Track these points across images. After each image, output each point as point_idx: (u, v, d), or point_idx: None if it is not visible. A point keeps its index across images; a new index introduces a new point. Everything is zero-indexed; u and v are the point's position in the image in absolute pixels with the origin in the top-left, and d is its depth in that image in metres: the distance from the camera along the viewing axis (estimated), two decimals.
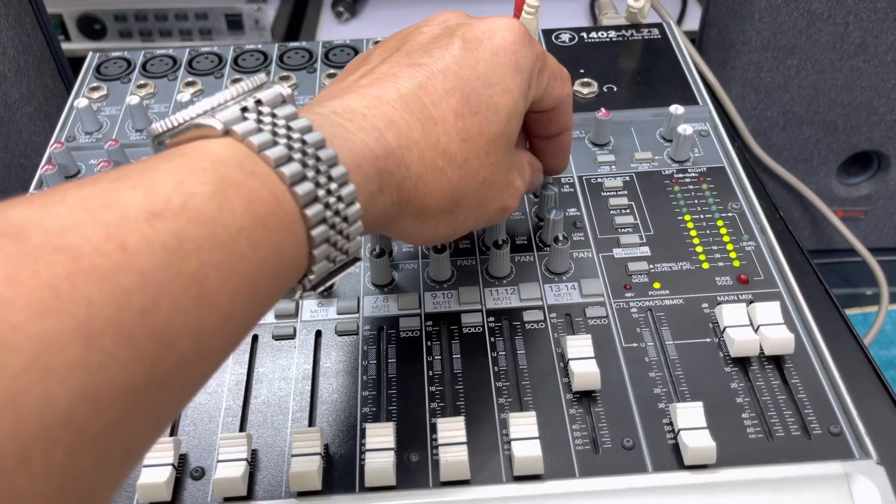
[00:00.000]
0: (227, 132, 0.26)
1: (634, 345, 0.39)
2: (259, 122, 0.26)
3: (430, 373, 0.39)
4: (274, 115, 0.27)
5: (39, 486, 0.18)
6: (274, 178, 0.25)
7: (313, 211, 0.26)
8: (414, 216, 0.32)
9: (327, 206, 0.26)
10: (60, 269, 0.19)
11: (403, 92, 0.32)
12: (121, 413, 0.20)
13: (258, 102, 0.27)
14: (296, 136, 0.27)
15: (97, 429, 0.19)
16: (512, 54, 0.34)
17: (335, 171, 0.27)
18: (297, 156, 0.26)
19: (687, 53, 0.59)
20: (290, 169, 0.25)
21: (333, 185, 0.27)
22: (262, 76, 0.29)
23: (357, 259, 0.30)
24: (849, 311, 0.92)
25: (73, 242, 0.20)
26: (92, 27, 1.03)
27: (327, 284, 0.29)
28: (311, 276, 0.27)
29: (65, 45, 1.02)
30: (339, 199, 0.27)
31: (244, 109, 0.27)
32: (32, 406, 0.18)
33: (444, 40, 0.34)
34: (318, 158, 0.27)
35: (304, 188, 0.26)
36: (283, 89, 0.28)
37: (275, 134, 0.26)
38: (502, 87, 0.33)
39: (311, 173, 0.26)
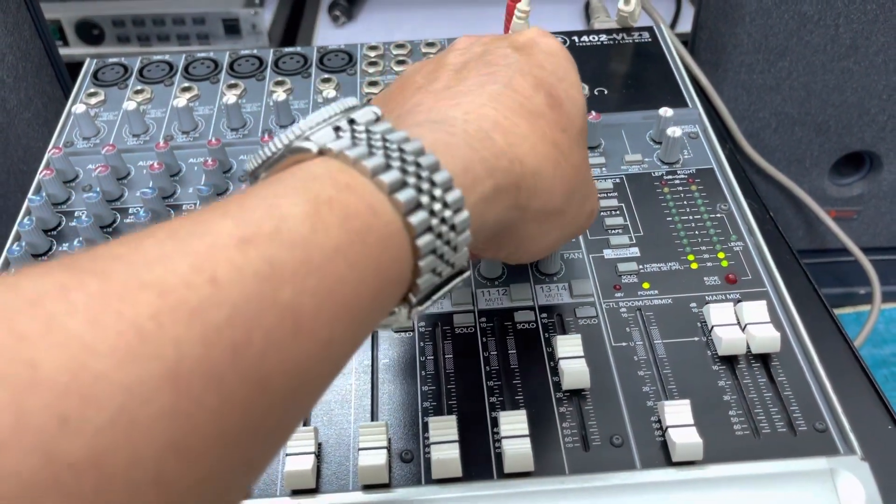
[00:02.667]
0: (321, 152, 0.25)
1: (624, 344, 0.40)
2: (354, 137, 0.25)
3: (423, 372, 0.39)
4: (369, 131, 0.26)
5: None
6: (371, 189, 0.24)
7: (418, 219, 0.24)
8: (534, 219, 0.31)
9: (432, 213, 0.25)
10: (146, 307, 0.18)
11: (494, 92, 0.30)
12: (212, 465, 0.18)
13: (351, 122, 0.26)
14: (393, 146, 0.25)
15: (188, 484, 0.18)
16: (563, 53, 0.34)
17: (438, 177, 0.25)
18: (396, 164, 0.24)
19: (677, 56, 0.59)
20: (389, 177, 0.24)
21: (438, 191, 0.25)
22: (352, 99, 0.27)
23: (463, 271, 0.28)
24: (842, 311, 0.93)
25: (160, 276, 0.19)
26: (90, 32, 1.04)
27: (432, 301, 0.27)
28: (417, 292, 0.26)
29: (63, 51, 1.03)
30: (445, 205, 0.25)
31: (337, 129, 0.26)
32: (118, 464, 0.16)
33: (495, 50, 0.33)
34: (418, 165, 0.25)
35: (405, 195, 0.24)
36: (377, 108, 0.27)
37: (371, 146, 0.25)
38: (570, 82, 0.33)
39: (412, 179, 0.24)
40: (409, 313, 0.26)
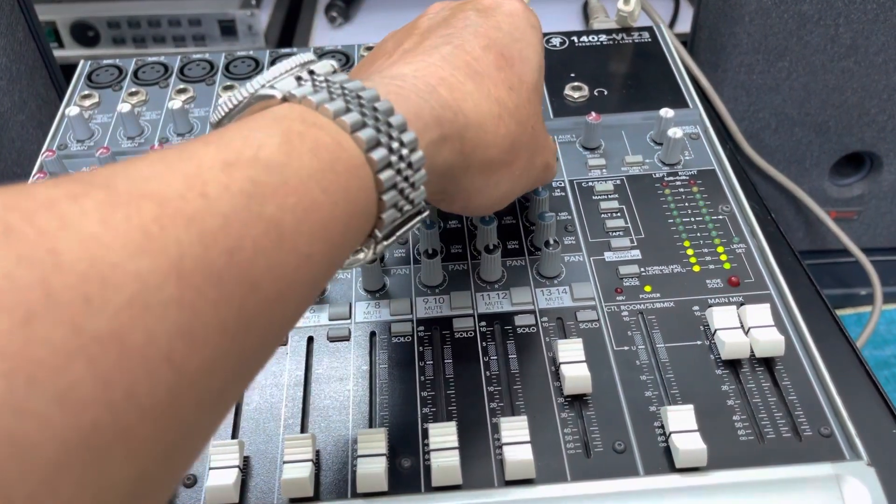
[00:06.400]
0: (285, 99, 0.27)
1: (625, 348, 0.40)
2: (315, 85, 0.28)
3: (422, 378, 0.39)
4: (328, 81, 0.28)
5: (146, 422, 0.19)
6: (335, 127, 0.26)
7: (379, 155, 0.27)
8: (479, 170, 0.33)
9: (391, 150, 0.27)
10: (148, 213, 0.20)
11: (445, 53, 0.34)
12: (214, 352, 0.21)
13: (311, 73, 0.29)
14: (352, 93, 0.28)
15: (194, 367, 0.20)
16: (524, 15, 0.37)
17: (394, 120, 0.28)
18: (356, 108, 0.27)
19: (677, 56, 0.59)
20: (350, 118, 0.26)
21: (395, 132, 0.28)
22: (310, 54, 0.30)
23: (422, 212, 0.31)
24: (843, 312, 0.92)
25: (157, 189, 0.21)
26: (85, 34, 1.03)
27: (395, 237, 0.30)
28: (382, 227, 0.28)
29: (58, 53, 1.02)
30: (402, 144, 0.28)
31: (299, 78, 0.28)
32: (136, 340, 0.18)
33: (458, 13, 0.36)
34: (375, 109, 0.28)
35: (366, 133, 0.27)
36: (333, 62, 0.30)
37: (331, 93, 0.27)
38: (526, 42, 0.36)
39: (370, 122, 0.27)
40: (375, 248, 0.29)
